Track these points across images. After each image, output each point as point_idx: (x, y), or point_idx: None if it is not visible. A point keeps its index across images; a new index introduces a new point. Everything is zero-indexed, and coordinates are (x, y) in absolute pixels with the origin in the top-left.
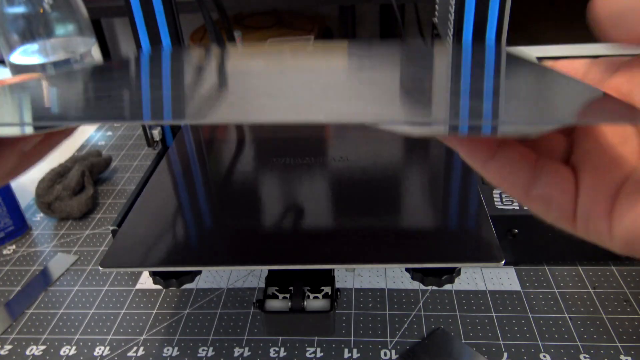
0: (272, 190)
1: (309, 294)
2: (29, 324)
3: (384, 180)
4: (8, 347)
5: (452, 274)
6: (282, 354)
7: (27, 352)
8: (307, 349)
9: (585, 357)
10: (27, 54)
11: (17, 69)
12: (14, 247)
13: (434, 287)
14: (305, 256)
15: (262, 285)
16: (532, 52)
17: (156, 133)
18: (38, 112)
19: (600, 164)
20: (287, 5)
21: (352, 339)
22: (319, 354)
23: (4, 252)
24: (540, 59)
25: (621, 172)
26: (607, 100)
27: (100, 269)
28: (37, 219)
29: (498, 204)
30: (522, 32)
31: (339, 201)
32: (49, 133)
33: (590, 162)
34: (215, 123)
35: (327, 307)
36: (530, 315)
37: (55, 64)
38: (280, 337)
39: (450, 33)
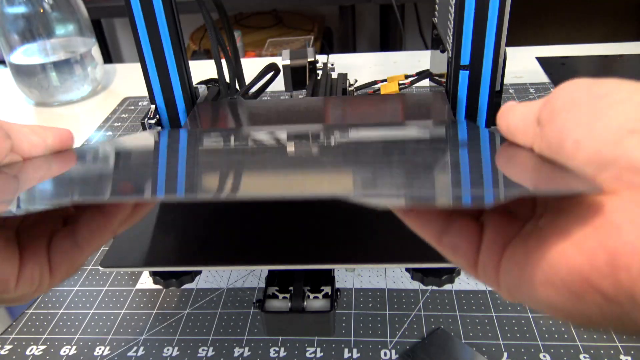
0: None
1: (309, 294)
2: (29, 324)
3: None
4: (8, 347)
5: (452, 274)
6: (282, 354)
7: (27, 352)
8: (307, 349)
9: (585, 357)
10: (27, 54)
11: (17, 69)
12: None
13: (434, 287)
14: (305, 256)
15: (262, 285)
16: (532, 52)
17: None
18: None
19: (498, 222)
20: (287, 5)
21: (352, 339)
22: (319, 354)
23: None
24: (540, 59)
25: (513, 230)
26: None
27: (100, 269)
28: None
29: None
30: (522, 32)
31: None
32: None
33: (492, 220)
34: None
35: (327, 307)
36: (530, 315)
37: (55, 64)
38: (280, 337)
39: (450, 33)
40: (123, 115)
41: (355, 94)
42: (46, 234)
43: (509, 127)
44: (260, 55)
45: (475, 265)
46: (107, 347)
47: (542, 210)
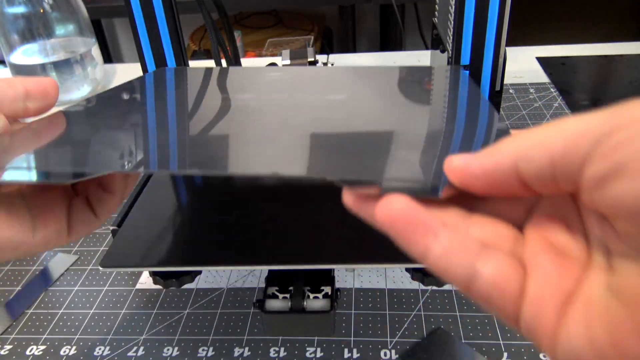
0: (273, 190)
1: (309, 294)
2: (29, 324)
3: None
4: (8, 347)
5: None
6: (282, 354)
7: (27, 352)
8: (307, 349)
9: None
10: (27, 54)
11: (17, 69)
12: None
13: (434, 287)
14: (305, 256)
15: (262, 285)
16: (532, 52)
17: None
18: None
19: (549, 269)
20: (287, 5)
21: (352, 339)
22: (319, 354)
23: None
24: (540, 59)
25: (567, 284)
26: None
27: (100, 269)
28: None
29: None
30: (522, 32)
31: (339, 200)
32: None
33: (540, 265)
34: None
35: (327, 307)
36: None
37: (55, 64)
38: (280, 337)
39: (450, 33)
40: None
41: None
42: (64, 202)
43: (523, 175)
44: (260, 55)
45: (517, 319)
46: (107, 347)
47: (602, 257)
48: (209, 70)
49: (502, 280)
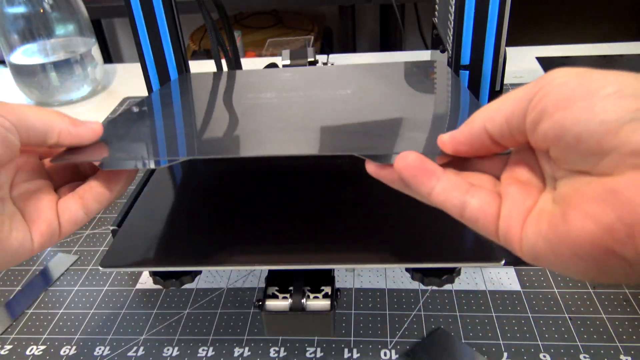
0: (273, 190)
1: (309, 294)
2: (29, 324)
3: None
4: (8, 347)
5: (452, 274)
6: (282, 354)
7: (27, 352)
8: (307, 349)
9: (585, 357)
10: (27, 54)
11: (17, 69)
12: None
13: (434, 287)
14: (305, 256)
15: (262, 285)
16: (532, 52)
17: None
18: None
19: (514, 194)
20: (287, 5)
21: (352, 339)
22: (319, 354)
23: None
24: (540, 59)
25: (528, 201)
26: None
27: (100, 269)
28: None
29: None
30: (522, 32)
31: (339, 201)
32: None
33: (508, 192)
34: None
35: (327, 307)
36: (530, 315)
37: (55, 64)
38: (280, 337)
39: (450, 33)
40: None
41: None
42: (52, 202)
43: (490, 133)
44: (260, 55)
45: (497, 234)
46: (107, 347)
47: (552, 184)
48: (231, 74)
49: (484, 206)
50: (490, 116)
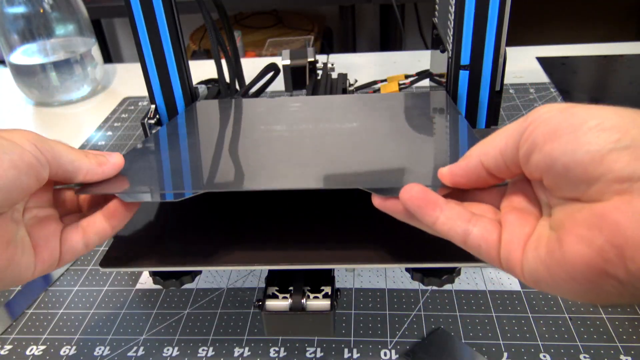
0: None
1: (309, 294)
2: (29, 324)
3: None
4: (8, 347)
5: (452, 274)
6: (282, 354)
7: (27, 352)
8: (307, 349)
9: (585, 357)
10: (27, 54)
11: (17, 69)
12: None
13: (434, 287)
14: (305, 256)
15: (262, 285)
16: (532, 52)
17: None
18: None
19: (513, 222)
20: (287, 5)
21: (352, 339)
22: (319, 354)
23: None
24: (540, 59)
25: (526, 229)
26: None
27: (100, 269)
28: None
29: None
30: (522, 32)
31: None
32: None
33: (508, 221)
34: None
35: (327, 307)
36: (530, 315)
37: (55, 64)
38: (280, 337)
39: (450, 33)
40: (123, 115)
41: (355, 94)
42: (57, 232)
43: (486, 166)
44: (260, 55)
45: (499, 260)
46: (107, 347)
47: (548, 211)
48: (239, 103)
49: (485, 233)
50: (485, 151)
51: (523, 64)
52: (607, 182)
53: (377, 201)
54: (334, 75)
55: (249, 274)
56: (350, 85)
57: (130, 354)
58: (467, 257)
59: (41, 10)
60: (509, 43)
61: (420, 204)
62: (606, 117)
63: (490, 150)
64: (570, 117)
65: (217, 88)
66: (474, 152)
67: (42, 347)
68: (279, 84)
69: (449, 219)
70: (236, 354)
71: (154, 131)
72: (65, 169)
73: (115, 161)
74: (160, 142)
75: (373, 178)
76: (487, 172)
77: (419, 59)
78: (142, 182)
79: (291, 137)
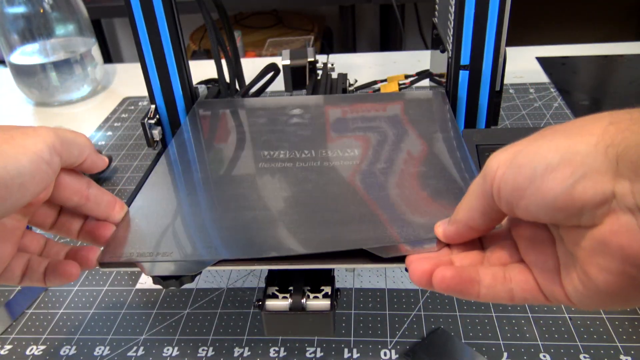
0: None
1: (309, 294)
2: (29, 324)
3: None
4: (8, 347)
5: None
6: (282, 354)
7: (27, 352)
8: (307, 349)
9: (585, 357)
10: (27, 54)
11: (17, 69)
12: None
13: None
14: (305, 256)
15: (262, 285)
16: (532, 52)
17: (156, 133)
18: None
19: (538, 262)
20: (287, 5)
21: (352, 339)
22: (319, 354)
23: None
24: (540, 59)
25: (552, 264)
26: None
27: (100, 269)
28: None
29: None
30: (522, 32)
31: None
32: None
33: (532, 262)
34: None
35: (327, 307)
36: (530, 315)
37: (55, 64)
38: (280, 337)
39: (450, 33)
40: (123, 115)
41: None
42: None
43: (474, 227)
44: (260, 55)
45: (548, 301)
46: (107, 347)
47: (556, 231)
48: (243, 106)
49: (524, 285)
50: (469, 216)
51: (523, 64)
52: (590, 211)
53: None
54: (334, 75)
55: (249, 274)
56: (350, 85)
57: (130, 354)
58: None
59: (41, 10)
60: (509, 43)
61: (459, 288)
62: (549, 155)
63: (473, 214)
64: (519, 169)
65: (217, 88)
66: (459, 217)
67: (42, 347)
68: (279, 84)
69: (490, 288)
70: (236, 354)
71: (162, 152)
72: (73, 154)
73: (105, 159)
74: (170, 177)
75: (376, 234)
76: (476, 230)
77: (419, 59)
78: (161, 245)
79: (294, 174)
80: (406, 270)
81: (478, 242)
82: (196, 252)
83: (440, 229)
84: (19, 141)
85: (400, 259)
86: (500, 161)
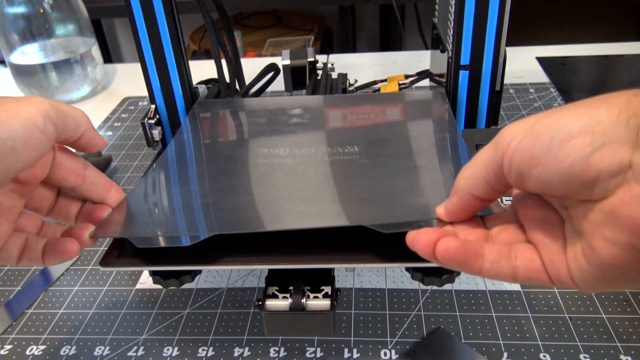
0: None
1: (309, 293)
2: (29, 324)
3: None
4: (8, 347)
5: (452, 273)
6: (282, 354)
7: (27, 352)
8: (307, 349)
9: (585, 357)
10: (27, 54)
11: (17, 69)
12: None
13: (434, 287)
14: (305, 256)
15: (262, 285)
16: (532, 52)
17: (156, 133)
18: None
19: (546, 241)
20: (287, 5)
21: (352, 339)
22: (319, 354)
23: None
24: (540, 59)
25: (560, 244)
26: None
27: (100, 269)
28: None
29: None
30: (522, 32)
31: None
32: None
33: (540, 241)
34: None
35: (327, 307)
36: (530, 315)
37: (55, 64)
38: (280, 337)
39: (450, 33)
40: (123, 115)
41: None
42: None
43: (477, 195)
44: (260, 55)
45: (551, 282)
46: (107, 347)
47: (564, 211)
48: (243, 106)
49: (529, 264)
50: (472, 183)
51: (523, 64)
52: (604, 181)
53: (410, 240)
54: (334, 75)
55: (249, 274)
56: (350, 85)
57: (130, 353)
58: None
59: (41, 10)
60: (509, 43)
61: (463, 260)
62: (570, 124)
63: (476, 181)
64: (537, 137)
65: (217, 88)
66: (461, 185)
67: (42, 347)
68: (279, 84)
69: (494, 263)
70: (236, 354)
71: (162, 149)
72: (69, 126)
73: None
74: (169, 170)
75: (377, 213)
76: (479, 199)
77: (419, 59)
78: (155, 223)
79: (294, 166)
80: (407, 270)
81: (482, 223)
82: (191, 227)
83: (442, 207)
84: (11, 106)
85: (401, 240)
86: (516, 130)
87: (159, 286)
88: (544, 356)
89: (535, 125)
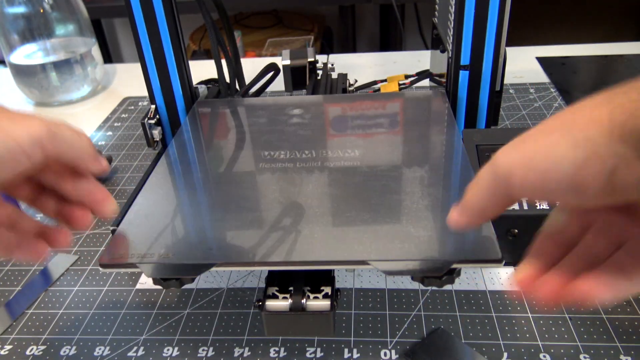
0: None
1: (309, 294)
2: (29, 324)
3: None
4: (8, 347)
5: (452, 274)
6: (282, 354)
7: (27, 352)
8: (307, 349)
9: (585, 357)
10: (27, 54)
11: (17, 69)
12: None
13: (434, 287)
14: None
15: (262, 285)
16: (532, 52)
17: (156, 133)
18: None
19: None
20: (287, 5)
21: (352, 339)
22: (319, 354)
23: None
24: (540, 59)
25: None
26: None
27: (100, 269)
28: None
29: None
30: (522, 32)
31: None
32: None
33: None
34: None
35: (327, 307)
36: (530, 315)
37: (55, 64)
38: (280, 337)
39: (450, 33)
40: (123, 115)
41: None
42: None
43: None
44: (260, 55)
45: None
46: (107, 347)
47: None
48: (243, 107)
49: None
50: (480, 206)
51: (523, 64)
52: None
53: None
54: (334, 75)
55: (249, 274)
56: (350, 85)
57: (130, 354)
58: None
59: (41, 10)
60: (509, 43)
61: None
62: (570, 154)
63: (484, 203)
64: (544, 174)
65: (217, 88)
66: (471, 205)
67: (42, 347)
68: (279, 84)
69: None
70: (236, 354)
71: (162, 151)
72: (65, 154)
73: (104, 163)
74: (172, 179)
75: (379, 246)
76: (490, 215)
77: (419, 59)
78: (161, 247)
79: (294, 176)
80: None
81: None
82: (195, 255)
83: (456, 211)
84: (3, 124)
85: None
86: (512, 163)
87: (159, 286)
88: (544, 356)
89: (533, 160)
